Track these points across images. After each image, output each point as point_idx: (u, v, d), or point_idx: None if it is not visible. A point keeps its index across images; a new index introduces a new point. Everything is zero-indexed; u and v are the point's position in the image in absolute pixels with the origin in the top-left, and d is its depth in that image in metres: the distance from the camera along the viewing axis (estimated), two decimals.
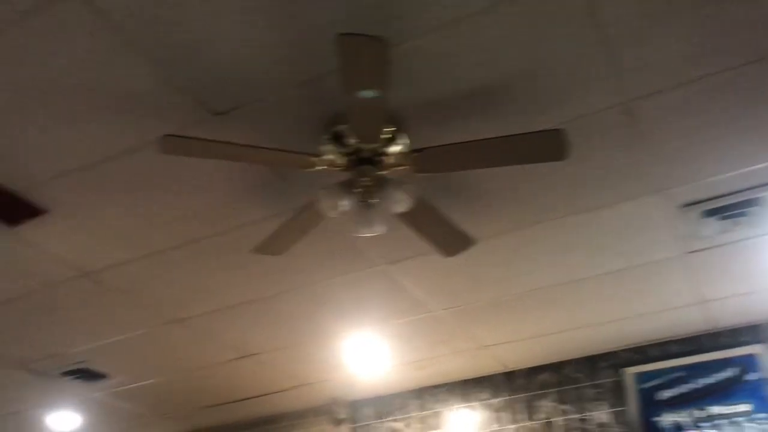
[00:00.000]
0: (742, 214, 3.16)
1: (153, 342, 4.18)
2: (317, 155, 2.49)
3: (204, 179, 2.81)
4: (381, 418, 5.02)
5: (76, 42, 2.14)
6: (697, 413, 4.09)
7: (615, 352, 4.50)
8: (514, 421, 4.59)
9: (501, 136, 2.37)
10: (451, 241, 2.93)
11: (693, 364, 4.21)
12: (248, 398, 5.05)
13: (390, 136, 2.48)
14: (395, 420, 4.97)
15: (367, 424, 5.04)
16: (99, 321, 3.92)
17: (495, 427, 4.63)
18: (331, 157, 2.51)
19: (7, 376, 4.54)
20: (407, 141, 2.52)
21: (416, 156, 2.47)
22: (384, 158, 2.50)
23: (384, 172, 2.51)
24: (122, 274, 3.45)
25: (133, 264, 3.38)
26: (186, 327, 4.01)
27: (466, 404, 4.80)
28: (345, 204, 2.50)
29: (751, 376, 4.04)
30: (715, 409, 4.04)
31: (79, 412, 5.23)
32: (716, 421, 4.01)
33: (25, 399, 4.96)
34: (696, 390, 4.15)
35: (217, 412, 5.31)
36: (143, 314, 3.85)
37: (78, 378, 4.61)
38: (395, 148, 2.50)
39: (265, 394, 5.00)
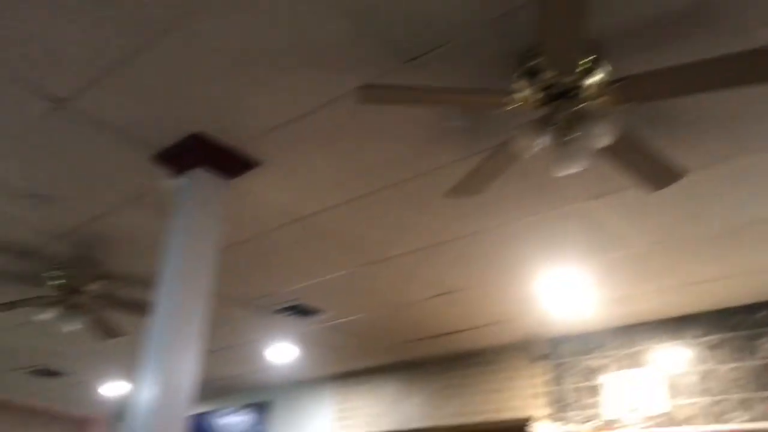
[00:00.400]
0: None
1: (359, 280, 4.43)
2: (511, 93, 2.45)
3: (400, 125, 2.87)
4: (581, 356, 4.96)
5: (278, 1, 2.26)
6: None
7: None
8: (729, 361, 4.31)
9: (712, 58, 2.16)
10: (658, 173, 2.76)
11: None
12: (448, 333, 5.21)
13: (588, 66, 2.36)
14: (597, 357, 4.88)
15: (567, 361, 5.01)
16: (310, 262, 4.22)
17: (706, 366, 4.39)
18: (525, 93, 2.45)
19: (233, 313, 5.07)
20: (607, 70, 2.39)
21: (617, 86, 2.34)
22: (582, 90, 2.39)
23: (583, 105, 2.40)
24: (329, 218, 3.67)
25: (339, 209, 3.58)
26: (388, 266, 4.20)
27: (674, 342, 4.58)
28: (542, 141, 2.44)
29: None
30: None
31: (295, 345, 5.73)
32: None
33: (249, 332, 5.52)
34: None
35: (419, 346, 5.55)
36: (349, 255, 4.09)
37: (293, 314, 5.03)
38: (594, 79, 2.38)
39: (464, 330, 5.13)
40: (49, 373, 7.06)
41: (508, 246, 3.85)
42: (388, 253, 4.04)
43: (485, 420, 5.26)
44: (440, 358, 5.74)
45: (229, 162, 3.16)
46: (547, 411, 4.94)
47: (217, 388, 7.10)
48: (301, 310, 4.97)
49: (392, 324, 5.15)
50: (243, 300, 4.86)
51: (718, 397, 4.28)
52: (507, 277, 4.23)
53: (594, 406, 4.74)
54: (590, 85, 2.38)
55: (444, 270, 4.20)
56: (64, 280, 4.36)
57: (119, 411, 8.55)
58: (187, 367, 2.86)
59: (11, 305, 4.58)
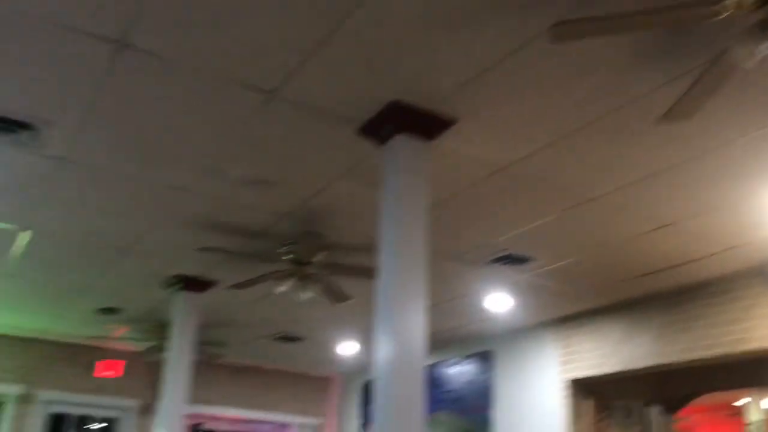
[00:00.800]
0: None
1: (568, 223, 4.35)
2: (720, 1, 2.24)
3: (596, 57, 2.76)
4: None
5: None
6: None
7: None
8: None
9: None
10: None
11: None
12: (672, 267, 4.95)
13: None
14: None
15: None
16: (516, 211, 4.23)
17: None
18: None
19: (447, 268, 5.22)
20: None
21: None
22: None
23: None
24: (531, 164, 3.64)
25: (540, 153, 3.53)
26: (598, 205, 4.07)
27: None
28: (764, 48, 2.22)
29: None
30: None
31: (511, 293, 5.78)
32: None
33: (464, 285, 5.65)
34: None
35: (641, 283, 5.33)
36: (556, 199, 4.03)
37: (505, 263, 5.07)
38: None
39: (690, 261, 4.84)
40: (290, 338, 7.79)
41: (732, 166, 3.56)
42: (596, 192, 3.92)
43: (725, 352, 4.93)
44: (665, 292, 5.45)
45: (428, 124, 3.24)
46: None
47: (441, 341, 7.39)
48: (512, 259, 4.99)
49: (609, 264, 5.00)
50: (456, 254, 4.99)
51: None
52: (734, 199, 3.91)
53: None
54: None
55: (661, 202, 3.99)
56: (294, 255, 4.78)
57: (354, 369, 9.22)
58: (416, 322, 3.04)
59: (252, 282, 5.11)
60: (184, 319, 5.90)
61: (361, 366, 8.83)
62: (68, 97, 3.21)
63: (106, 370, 8.53)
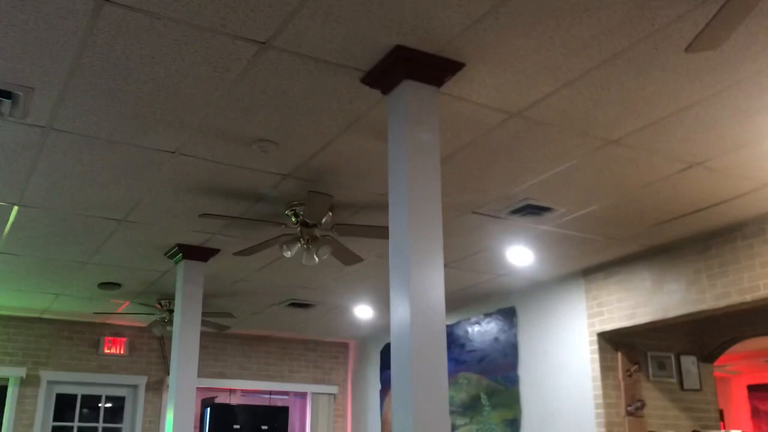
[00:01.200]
0: None
1: (590, 168, 4.11)
2: None
3: None
4: None
5: None
6: None
7: None
8: None
9: None
10: None
11: None
12: (704, 209, 4.69)
13: None
14: None
15: None
16: (534, 158, 3.98)
17: None
18: None
19: (463, 222, 5.00)
20: None
21: None
22: None
23: None
24: (549, 106, 3.40)
25: (557, 94, 3.29)
26: (622, 147, 3.83)
27: None
28: None
29: None
30: None
31: (533, 246, 5.54)
32: None
33: (485, 239, 5.43)
34: None
35: (671, 227, 5.09)
36: (576, 142, 3.79)
37: (525, 214, 4.83)
38: None
39: (719, 203, 4.60)
40: (303, 305, 7.61)
41: (763, 98, 3.31)
42: (619, 132, 3.67)
43: (763, 296, 4.70)
44: (697, 237, 5.18)
45: (434, 69, 3.03)
46: None
47: (461, 299, 7.21)
48: (533, 210, 4.75)
49: (635, 209, 4.75)
50: (471, 208, 4.77)
51: None
52: (766, 133, 3.65)
53: None
54: None
55: (688, 140, 3.74)
56: (300, 217, 4.56)
57: (371, 333, 9.05)
58: (433, 281, 2.86)
59: (258, 247, 4.91)
60: (188, 290, 5.70)
61: (379, 330, 8.66)
62: (49, 62, 3.03)
63: (112, 347, 8.40)
